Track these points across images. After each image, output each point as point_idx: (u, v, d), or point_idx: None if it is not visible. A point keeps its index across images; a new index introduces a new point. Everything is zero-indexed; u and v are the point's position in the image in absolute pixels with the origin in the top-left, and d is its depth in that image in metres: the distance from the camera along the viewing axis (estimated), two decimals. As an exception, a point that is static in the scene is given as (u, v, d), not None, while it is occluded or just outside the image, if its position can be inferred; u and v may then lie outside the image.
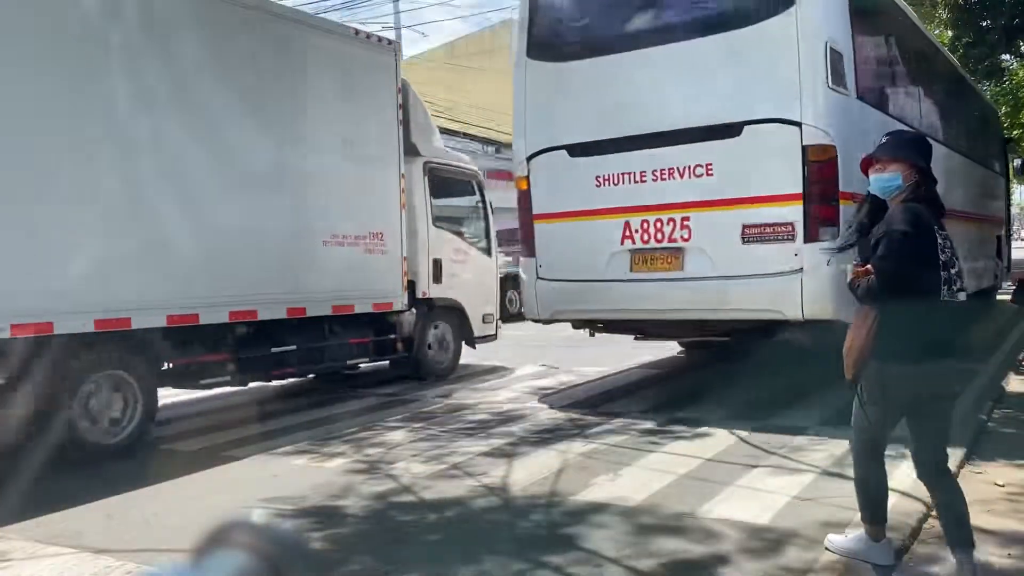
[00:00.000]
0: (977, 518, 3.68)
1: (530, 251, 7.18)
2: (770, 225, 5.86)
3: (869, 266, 2.98)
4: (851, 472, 4.38)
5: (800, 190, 5.72)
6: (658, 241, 6.41)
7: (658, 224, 6.37)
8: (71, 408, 5.37)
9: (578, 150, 6.74)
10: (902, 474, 4.30)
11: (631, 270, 6.57)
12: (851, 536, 3.38)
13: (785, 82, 5.80)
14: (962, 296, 2.98)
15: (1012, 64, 19.79)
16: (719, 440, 5.40)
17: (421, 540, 3.83)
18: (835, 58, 5.86)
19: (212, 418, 7.01)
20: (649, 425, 5.91)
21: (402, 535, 3.89)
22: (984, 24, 15.58)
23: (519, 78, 7.15)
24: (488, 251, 9.29)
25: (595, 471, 4.73)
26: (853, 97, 6.15)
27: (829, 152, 5.48)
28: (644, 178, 6.42)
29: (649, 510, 4.02)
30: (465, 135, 25.45)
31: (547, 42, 7.10)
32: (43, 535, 4.01)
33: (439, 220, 8.62)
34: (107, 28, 5.51)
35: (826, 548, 3.39)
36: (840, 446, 5.04)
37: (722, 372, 8.15)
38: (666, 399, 6.97)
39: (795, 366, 6.89)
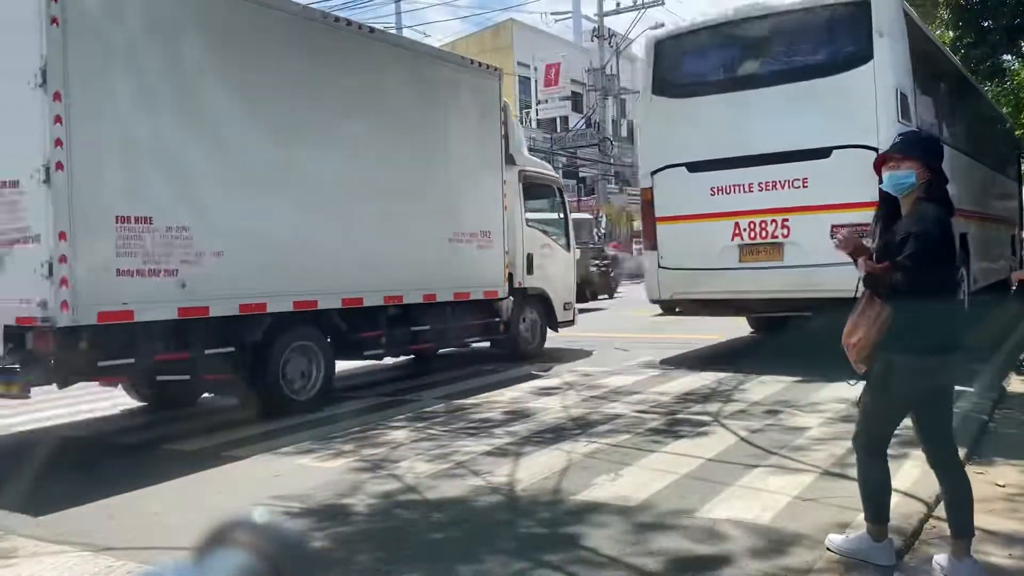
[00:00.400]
0: (978, 518, 3.68)
1: (652, 246, 8.97)
2: (853, 225, 6.97)
3: (888, 264, 3.03)
4: (852, 472, 4.38)
5: (877, 199, 7.21)
6: (763, 238, 8.11)
7: (763, 224, 8.07)
8: (278, 370, 6.77)
9: (696, 167, 8.42)
10: (903, 474, 4.31)
11: (740, 260, 8.27)
12: (852, 536, 3.39)
13: (865, 117, 7.50)
14: (960, 295, 3.08)
15: (1014, 64, 19.77)
16: (720, 440, 5.40)
17: (424, 539, 3.84)
18: (902, 100, 7.67)
19: (214, 418, 7.02)
20: (653, 424, 5.92)
21: (405, 534, 3.89)
22: (985, 24, 15.57)
23: (644, 110, 9.19)
24: (567, 246, 10.66)
25: (597, 470, 4.74)
26: (914, 127, 7.52)
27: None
28: (752, 189, 8.12)
29: (650, 510, 4.02)
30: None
31: (669, 82, 8.93)
32: (45, 534, 4.02)
33: (530, 220, 10.08)
34: (352, 92, 7.42)
35: (827, 548, 3.40)
36: (841, 446, 5.04)
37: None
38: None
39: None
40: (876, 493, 3.28)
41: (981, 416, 5.74)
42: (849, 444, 5.00)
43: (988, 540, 3.45)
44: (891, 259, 3.03)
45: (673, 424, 5.94)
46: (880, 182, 3.26)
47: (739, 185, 8.17)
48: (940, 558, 3.22)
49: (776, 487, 4.30)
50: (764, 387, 7.14)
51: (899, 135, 3.34)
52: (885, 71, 7.55)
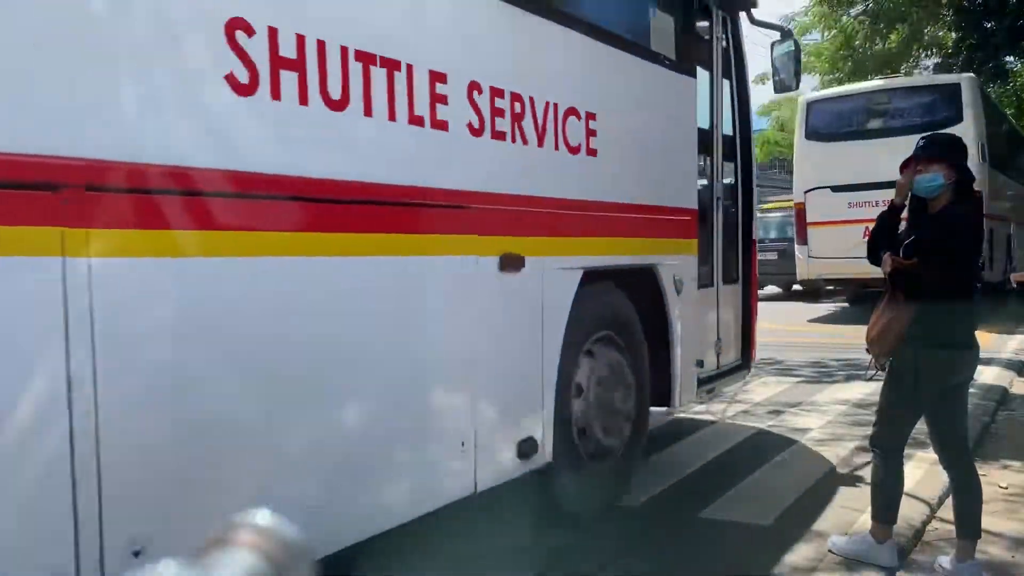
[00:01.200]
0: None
1: (804, 241, 12.54)
2: None
3: (915, 260, 3.09)
4: (855, 473, 4.40)
5: None
6: None
7: None
8: None
9: (837, 188, 11.92)
10: (906, 474, 4.30)
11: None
12: (855, 537, 3.39)
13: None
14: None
15: (1016, 66, 19.73)
16: (723, 440, 5.39)
17: (426, 537, 3.83)
18: (982, 147, 11.32)
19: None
20: (651, 424, 5.90)
21: (407, 531, 3.89)
22: (988, 26, 15.56)
23: (800, 150, 12.76)
24: None
25: (599, 471, 4.73)
26: (988, 165, 11.56)
27: (979, 194, 8.32)
28: (877, 204, 10.58)
29: (652, 510, 4.02)
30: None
31: (817, 130, 12.50)
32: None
33: None
34: None
35: (829, 550, 3.40)
36: (844, 447, 5.04)
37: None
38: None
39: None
40: (888, 494, 3.29)
41: (983, 417, 5.73)
42: (851, 445, 5.04)
43: (990, 541, 3.45)
44: (920, 256, 3.08)
45: (674, 424, 5.93)
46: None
47: (869, 201, 11.10)
48: (943, 559, 3.23)
49: (779, 488, 4.30)
50: (766, 388, 7.14)
51: (922, 139, 3.36)
52: (971, 129, 11.05)
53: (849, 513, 3.80)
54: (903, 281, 3.13)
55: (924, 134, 3.40)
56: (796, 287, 15.62)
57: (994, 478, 4.37)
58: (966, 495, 3.21)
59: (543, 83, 3.32)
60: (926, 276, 3.06)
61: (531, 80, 3.25)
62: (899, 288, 3.16)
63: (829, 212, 12.04)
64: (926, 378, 3.13)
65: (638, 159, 4.03)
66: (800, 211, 12.63)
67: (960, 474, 3.24)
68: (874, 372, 3.33)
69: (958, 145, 3.36)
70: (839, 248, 11.80)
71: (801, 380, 7.49)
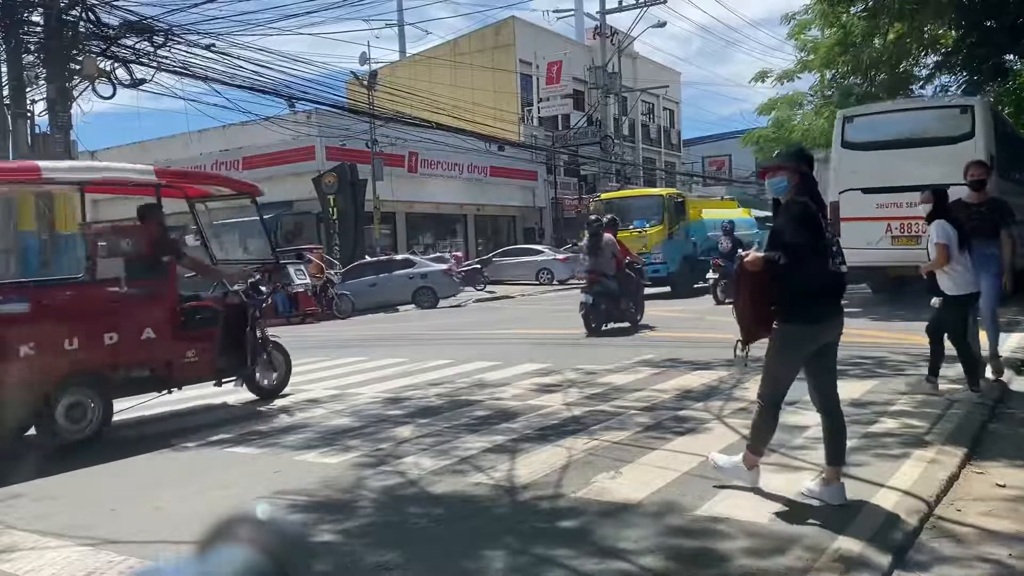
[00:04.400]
0: (978, 519, 3.69)
1: (837, 235, 12.13)
2: None
3: (764, 255, 3.84)
4: (852, 472, 4.43)
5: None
6: (908, 232, 13.10)
7: (908, 224, 13.12)
8: None
9: (868, 191, 13.65)
10: (903, 474, 4.32)
11: (892, 244, 13.42)
12: (733, 459, 4.21)
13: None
14: (844, 268, 3.95)
15: (1017, 64, 19.71)
16: (721, 437, 5.40)
17: (427, 534, 3.85)
18: (991, 159, 11.87)
19: (216, 414, 7.03)
20: (654, 422, 5.92)
21: (408, 529, 3.90)
22: (989, 24, 15.54)
23: (836, 157, 14.30)
24: None
25: (598, 467, 4.74)
26: (995, 176, 11.22)
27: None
28: (901, 204, 13.08)
29: (651, 507, 4.03)
30: (469, 133, 25.32)
31: (849, 140, 14.26)
32: (47, 528, 4.03)
33: None
34: None
35: (710, 460, 4.33)
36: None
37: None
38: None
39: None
40: (763, 436, 4.11)
41: (982, 416, 5.73)
42: (849, 443, 5.04)
43: (988, 540, 3.45)
44: (772, 246, 3.86)
45: (674, 421, 5.94)
46: None
47: (895, 202, 13.22)
48: (810, 484, 3.96)
49: (776, 486, 4.30)
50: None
51: (777, 151, 4.24)
52: (981, 143, 12.87)
53: (846, 511, 3.80)
54: (749, 275, 3.87)
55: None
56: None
57: (992, 476, 4.36)
58: (837, 434, 3.97)
59: None
60: (782, 268, 3.73)
61: None
62: (743, 280, 3.93)
63: (860, 209, 13.75)
64: (797, 346, 3.91)
65: None
66: (835, 208, 13.78)
67: (831, 418, 3.99)
68: (744, 357, 4.11)
69: (802, 154, 4.17)
70: (868, 239, 13.69)
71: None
